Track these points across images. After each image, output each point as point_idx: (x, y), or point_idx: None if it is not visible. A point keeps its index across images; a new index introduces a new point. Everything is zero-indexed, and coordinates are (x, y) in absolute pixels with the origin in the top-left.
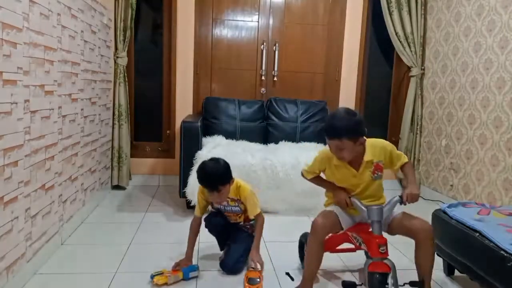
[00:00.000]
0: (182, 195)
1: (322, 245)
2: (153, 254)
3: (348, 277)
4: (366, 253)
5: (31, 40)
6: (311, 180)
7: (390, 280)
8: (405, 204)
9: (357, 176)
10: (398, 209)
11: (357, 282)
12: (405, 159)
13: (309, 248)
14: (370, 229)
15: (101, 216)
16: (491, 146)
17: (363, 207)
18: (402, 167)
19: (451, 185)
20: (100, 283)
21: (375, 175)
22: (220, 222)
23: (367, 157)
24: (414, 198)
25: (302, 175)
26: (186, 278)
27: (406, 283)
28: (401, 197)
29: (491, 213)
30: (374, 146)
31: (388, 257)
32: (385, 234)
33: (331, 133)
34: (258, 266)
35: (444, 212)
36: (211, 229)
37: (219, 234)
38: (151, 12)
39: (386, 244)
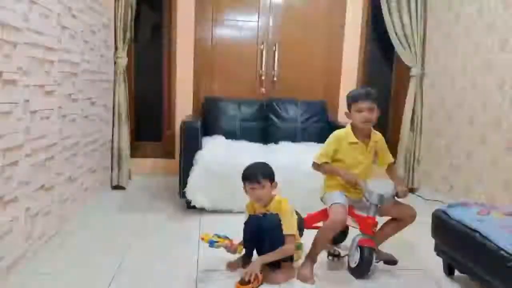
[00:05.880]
0: (182, 195)
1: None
2: (153, 254)
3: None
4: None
5: (31, 40)
6: (324, 166)
7: (374, 254)
8: (399, 198)
9: (364, 154)
10: None
11: (341, 253)
12: (392, 158)
13: (325, 235)
14: (357, 211)
15: (101, 216)
16: (491, 146)
17: (370, 189)
18: (389, 166)
19: (451, 185)
20: (100, 283)
21: (374, 159)
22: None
23: (374, 137)
24: (407, 195)
25: (314, 164)
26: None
27: (381, 260)
28: (397, 192)
29: (491, 213)
30: (375, 133)
31: None
32: None
33: (367, 96)
34: (247, 277)
35: (444, 212)
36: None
37: (253, 235)
38: (151, 12)
39: (377, 225)
